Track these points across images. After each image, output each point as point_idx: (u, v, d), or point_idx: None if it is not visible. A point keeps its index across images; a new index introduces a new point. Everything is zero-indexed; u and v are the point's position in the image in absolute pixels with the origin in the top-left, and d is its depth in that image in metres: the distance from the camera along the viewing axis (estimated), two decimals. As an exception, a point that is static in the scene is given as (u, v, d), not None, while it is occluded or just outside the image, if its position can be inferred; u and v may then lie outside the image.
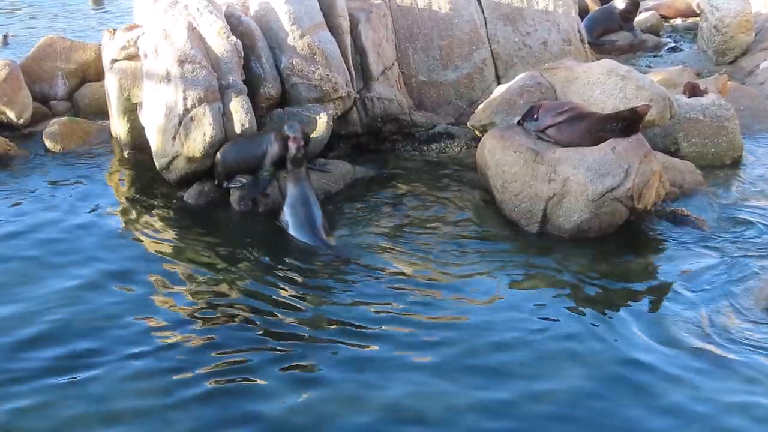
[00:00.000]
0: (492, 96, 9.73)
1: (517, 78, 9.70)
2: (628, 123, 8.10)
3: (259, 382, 5.94)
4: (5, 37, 15.41)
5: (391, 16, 10.81)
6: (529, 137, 8.50)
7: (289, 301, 7.00)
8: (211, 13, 9.16)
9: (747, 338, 6.39)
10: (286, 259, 7.75)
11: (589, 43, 12.29)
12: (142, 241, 8.16)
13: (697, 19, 15.35)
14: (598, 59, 10.65)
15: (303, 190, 8.24)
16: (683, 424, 5.50)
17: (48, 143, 10.23)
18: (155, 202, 9.02)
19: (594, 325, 6.60)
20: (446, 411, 5.60)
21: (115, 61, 9.66)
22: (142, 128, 9.39)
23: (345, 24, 10.01)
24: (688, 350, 6.24)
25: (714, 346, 6.28)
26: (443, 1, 11.00)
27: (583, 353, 6.23)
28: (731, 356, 6.16)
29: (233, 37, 9.10)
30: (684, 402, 5.69)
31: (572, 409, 5.63)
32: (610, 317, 6.73)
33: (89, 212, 8.77)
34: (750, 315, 6.69)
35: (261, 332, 6.56)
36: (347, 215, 8.65)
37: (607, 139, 8.07)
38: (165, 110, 8.86)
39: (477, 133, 9.61)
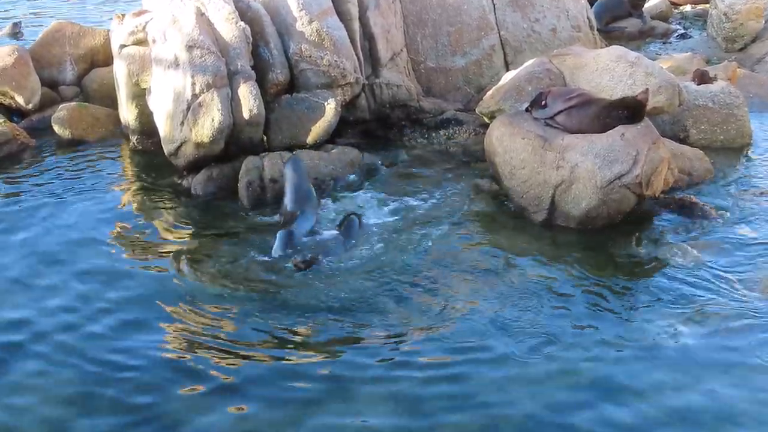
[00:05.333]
0: (500, 82, 9.70)
1: (525, 64, 9.68)
2: (632, 110, 8.09)
3: (257, 377, 5.94)
4: (16, 24, 15.19)
5: (399, 2, 10.77)
6: (538, 124, 8.48)
7: (293, 291, 6.99)
8: (220, -1, 9.16)
9: (752, 327, 6.40)
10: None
11: (598, 29, 12.26)
12: (149, 227, 8.19)
13: (707, 5, 15.30)
14: (607, 46, 10.62)
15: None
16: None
17: (56, 128, 10.24)
18: (163, 188, 9.05)
19: (602, 311, 6.65)
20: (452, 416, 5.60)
21: (123, 46, 9.67)
22: (151, 114, 9.41)
23: (354, 10, 9.99)
24: (693, 338, 6.27)
25: (718, 334, 6.30)
26: (452, -13, 10.98)
27: (592, 340, 6.27)
28: (734, 345, 6.19)
29: (242, 23, 9.10)
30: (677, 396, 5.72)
31: (588, 393, 5.68)
32: (617, 303, 6.76)
33: (96, 198, 8.79)
34: (756, 303, 6.69)
35: (265, 323, 6.57)
36: (354, 203, 8.65)
37: (615, 126, 8.06)
38: (173, 96, 8.87)
39: (485, 119, 9.59)
